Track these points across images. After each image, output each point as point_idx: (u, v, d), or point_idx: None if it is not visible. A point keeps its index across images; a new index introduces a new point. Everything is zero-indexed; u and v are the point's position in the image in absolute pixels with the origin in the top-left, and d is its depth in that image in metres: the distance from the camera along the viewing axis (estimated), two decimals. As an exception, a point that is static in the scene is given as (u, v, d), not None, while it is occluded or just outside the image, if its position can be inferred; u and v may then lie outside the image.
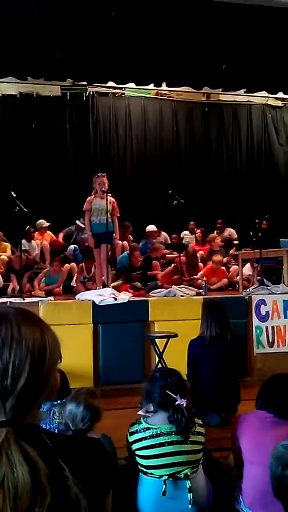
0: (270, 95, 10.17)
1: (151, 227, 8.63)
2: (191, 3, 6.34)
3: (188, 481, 2.37)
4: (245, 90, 8.90)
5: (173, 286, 6.35)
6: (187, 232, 9.14)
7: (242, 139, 10.72)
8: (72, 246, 7.96)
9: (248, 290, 6.31)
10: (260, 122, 10.80)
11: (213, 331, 3.95)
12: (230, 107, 10.61)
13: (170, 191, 7.28)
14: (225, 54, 6.90)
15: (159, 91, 9.92)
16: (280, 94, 9.87)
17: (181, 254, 7.37)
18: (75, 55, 6.50)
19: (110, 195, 6.10)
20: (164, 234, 8.91)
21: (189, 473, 2.40)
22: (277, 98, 10.66)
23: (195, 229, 8.97)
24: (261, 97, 10.42)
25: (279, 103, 10.91)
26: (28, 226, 7.83)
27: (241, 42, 6.78)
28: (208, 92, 10.17)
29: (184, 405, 2.43)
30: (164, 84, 8.54)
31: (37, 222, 8.25)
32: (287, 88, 8.62)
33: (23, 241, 7.81)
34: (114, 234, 6.26)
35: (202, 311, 4.14)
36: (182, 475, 2.39)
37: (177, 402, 2.44)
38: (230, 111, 10.62)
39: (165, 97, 10.15)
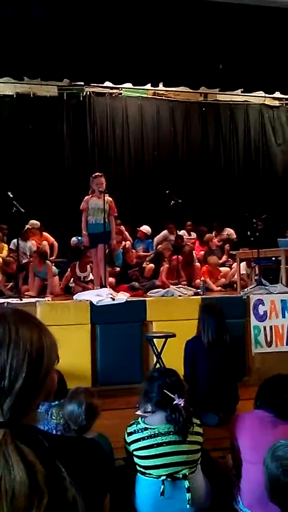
0: (267, 95, 10.17)
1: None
2: (187, 3, 6.33)
3: (187, 481, 2.37)
4: (242, 90, 8.90)
5: (171, 286, 6.35)
6: (184, 232, 9.14)
7: (240, 139, 10.72)
8: (74, 238, 7.91)
9: (246, 290, 6.31)
10: (257, 122, 10.80)
11: (210, 336, 3.93)
12: (227, 107, 10.61)
13: (167, 191, 7.28)
14: (222, 54, 6.89)
15: (156, 91, 9.92)
16: (277, 94, 9.89)
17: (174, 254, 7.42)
18: (71, 55, 6.49)
19: (107, 195, 6.09)
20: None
21: (187, 473, 2.39)
22: (274, 98, 10.65)
23: (200, 228, 9.00)
24: (258, 97, 10.42)
25: (277, 103, 10.91)
26: (26, 227, 7.80)
27: (238, 42, 6.77)
28: (205, 92, 10.17)
29: (182, 405, 2.43)
30: (161, 84, 8.53)
31: (29, 223, 8.15)
32: (284, 88, 8.62)
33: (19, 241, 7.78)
34: (111, 234, 6.25)
35: (199, 314, 4.13)
36: (181, 475, 2.39)
37: (175, 402, 2.44)
38: (227, 111, 10.62)
39: (162, 97, 10.15)
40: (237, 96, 10.17)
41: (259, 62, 7.10)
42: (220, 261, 8.18)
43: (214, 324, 3.96)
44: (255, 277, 6.78)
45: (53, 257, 7.94)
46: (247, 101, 10.66)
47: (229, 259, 8.32)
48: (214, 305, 4.32)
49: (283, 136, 10.92)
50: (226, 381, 3.90)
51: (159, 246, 8.24)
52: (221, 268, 8.12)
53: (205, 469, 2.60)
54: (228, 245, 8.57)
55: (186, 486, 2.36)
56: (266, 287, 6.11)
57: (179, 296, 5.92)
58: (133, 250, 8.13)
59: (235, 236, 8.88)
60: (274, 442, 1.84)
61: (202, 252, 8.37)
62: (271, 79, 7.72)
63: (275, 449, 1.80)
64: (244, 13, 6.50)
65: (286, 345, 5.54)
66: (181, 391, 2.53)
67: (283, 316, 5.62)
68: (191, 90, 9.29)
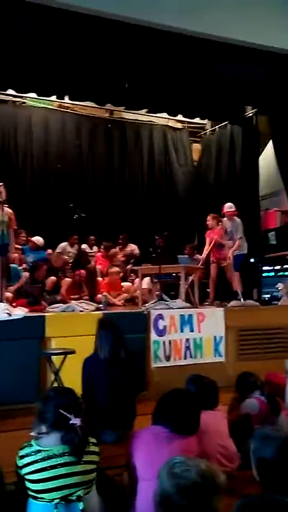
0: (171, 117, 10.57)
1: None
2: (97, 21, 6.39)
3: (81, 503, 2.30)
4: (147, 110, 9.16)
5: (72, 301, 6.25)
6: (86, 246, 9.08)
7: (144, 158, 10.95)
8: None
9: (147, 305, 6.41)
10: (161, 142, 11.12)
11: (106, 352, 3.90)
12: (133, 125, 10.82)
13: (71, 205, 7.19)
14: (129, 74, 7.02)
15: (62, 103, 9.82)
16: (180, 117, 10.35)
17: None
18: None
19: (7, 206, 5.87)
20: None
21: (82, 494, 2.32)
22: (177, 120, 11.09)
23: (104, 243, 8.97)
24: (162, 118, 10.78)
25: (179, 125, 11.36)
26: None
27: (145, 64, 6.94)
28: (112, 109, 10.30)
29: (78, 424, 2.36)
30: (67, 97, 8.50)
31: None
32: (186, 111, 9.04)
33: None
34: (9, 247, 6.00)
35: (96, 330, 4.09)
36: (75, 497, 2.30)
37: (71, 422, 2.36)
38: (133, 129, 10.83)
39: (68, 110, 10.07)
40: (142, 116, 10.43)
41: (163, 85, 7.34)
42: (121, 274, 8.23)
43: (111, 340, 3.94)
44: (156, 293, 6.93)
45: None
46: (152, 121, 10.97)
47: (132, 274, 8.42)
48: (109, 321, 4.33)
49: (185, 158, 11.37)
50: (124, 397, 3.89)
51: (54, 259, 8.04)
52: (123, 283, 8.18)
53: (101, 488, 2.54)
54: (131, 263, 8.66)
55: (80, 508, 2.28)
56: (167, 303, 6.28)
57: (80, 311, 5.84)
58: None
59: (138, 251, 9.01)
60: (170, 458, 1.83)
61: (104, 267, 8.34)
62: (175, 102, 8.04)
63: (171, 466, 1.78)
64: (152, 37, 6.69)
65: (184, 359, 5.70)
66: (77, 410, 2.46)
67: (182, 331, 5.79)
68: (97, 106, 9.35)
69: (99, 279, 7.87)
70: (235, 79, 7.46)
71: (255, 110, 9.17)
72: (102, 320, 4.38)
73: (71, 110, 10.05)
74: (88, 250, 9.00)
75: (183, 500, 1.65)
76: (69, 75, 6.75)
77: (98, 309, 6.09)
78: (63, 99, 8.78)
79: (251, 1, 6.90)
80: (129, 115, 10.59)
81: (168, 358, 5.62)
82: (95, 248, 9.12)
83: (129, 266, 8.56)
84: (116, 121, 10.69)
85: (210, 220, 7.88)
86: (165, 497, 1.69)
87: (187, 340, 5.77)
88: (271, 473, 1.94)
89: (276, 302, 7.00)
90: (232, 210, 7.70)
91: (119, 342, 3.97)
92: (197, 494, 1.66)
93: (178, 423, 2.51)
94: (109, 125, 10.56)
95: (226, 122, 10.21)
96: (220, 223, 7.69)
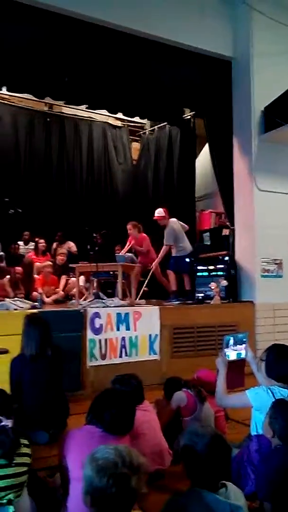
0: (110, 115, 10.56)
1: None
2: (40, 13, 6.24)
3: (11, 507, 2.26)
4: (86, 106, 9.09)
5: (6, 299, 6.09)
6: (21, 243, 8.87)
7: (83, 154, 10.87)
8: None
9: (83, 303, 6.38)
10: (100, 139, 11.09)
11: (33, 348, 3.83)
12: (72, 120, 10.70)
13: (6, 199, 7.00)
14: (69, 68, 6.92)
15: (-1, 95, 9.51)
16: (120, 115, 10.37)
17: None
18: None
19: None
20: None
21: (12, 498, 2.28)
22: (117, 118, 11.11)
23: (37, 239, 8.78)
24: (102, 115, 10.75)
25: (119, 123, 11.38)
26: None
27: (86, 59, 6.88)
28: (51, 103, 10.13)
29: (10, 426, 2.32)
30: (4, 89, 8.25)
31: None
32: (126, 110, 9.07)
33: None
34: None
35: (23, 327, 3.98)
36: (5, 501, 2.26)
37: (2, 424, 2.32)
38: (72, 124, 10.71)
39: (5, 102, 9.78)
40: (81, 111, 10.34)
41: (105, 82, 7.31)
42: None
43: (39, 336, 3.87)
44: (93, 291, 6.91)
45: None
46: (91, 117, 10.90)
47: (70, 272, 8.32)
48: (37, 317, 4.24)
49: (124, 155, 11.41)
50: (53, 396, 3.84)
51: None
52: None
53: (32, 490, 2.51)
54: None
55: (11, 512, 2.25)
56: (103, 301, 6.27)
57: (15, 309, 5.70)
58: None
59: (75, 249, 8.93)
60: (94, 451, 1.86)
61: (38, 264, 8.18)
62: (115, 100, 8.03)
63: (94, 452, 1.82)
64: (97, 33, 6.65)
65: (119, 358, 5.73)
66: (8, 411, 2.42)
67: (118, 329, 5.80)
68: (35, 99, 9.16)
69: (36, 276, 7.72)
70: (174, 81, 7.60)
71: (193, 112, 9.38)
72: (31, 316, 4.27)
73: (8, 101, 9.77)
74: (22, 246, 8.81)
75: (103, 479, 1.68)
76: (7, 66, 6.54)
77: (33, 307, 5.97)
78: (0, 90, 8.51)
79: (191, 5, 7.06)
80: (69, 110, 10.47)
81: (104, 357, 5.62)
82: (30, 244, 8.93)
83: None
84: (55, 115, 10.53)
85: (131, 229, 7.93)
86: (88, 482, 1.72)
87: (123, 338, 5.80)
88: (200, 469, 2.01)
89: (208, 301, 7.20)
90: (159, 215, 7.84)
91: (46, 340, 3.90)
92: (116, 473, 1.69)
93: (111, 423, 2.52)
94: (48, 119, 10.38)
95: (165, 123, 10.37)
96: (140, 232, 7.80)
